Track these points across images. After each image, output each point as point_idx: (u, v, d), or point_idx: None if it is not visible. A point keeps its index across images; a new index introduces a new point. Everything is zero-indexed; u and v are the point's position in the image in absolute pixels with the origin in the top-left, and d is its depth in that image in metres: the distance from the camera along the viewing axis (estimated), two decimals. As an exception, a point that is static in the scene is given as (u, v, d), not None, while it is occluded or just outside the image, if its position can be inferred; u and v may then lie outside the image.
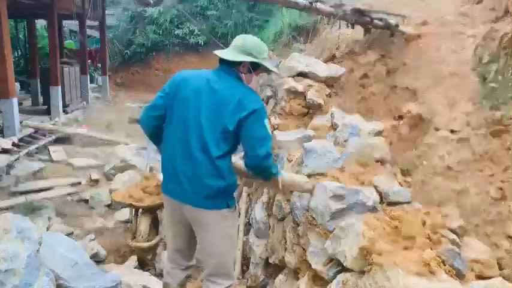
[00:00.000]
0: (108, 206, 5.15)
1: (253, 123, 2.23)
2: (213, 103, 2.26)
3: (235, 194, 2.63)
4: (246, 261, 3.66)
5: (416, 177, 2.92)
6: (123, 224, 4.57)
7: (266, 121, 2.29)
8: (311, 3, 4.63)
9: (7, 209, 4.80)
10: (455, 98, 3.41)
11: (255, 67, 2.37)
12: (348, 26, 5.09)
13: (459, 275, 1.86)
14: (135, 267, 3.50)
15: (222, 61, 2.39)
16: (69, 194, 5.50)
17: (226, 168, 2.29)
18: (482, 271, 2.02)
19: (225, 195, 2.34)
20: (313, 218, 2.48)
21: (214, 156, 2.23)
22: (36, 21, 12.51)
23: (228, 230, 2.40)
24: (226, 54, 2.36)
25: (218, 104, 2.25)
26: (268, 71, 2.49)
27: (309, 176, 2.74)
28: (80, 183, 5.96)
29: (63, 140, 8.04)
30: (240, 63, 2.33)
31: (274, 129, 3.60)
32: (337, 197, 2.33)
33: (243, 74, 2.37)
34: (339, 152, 2.84)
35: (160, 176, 4.28)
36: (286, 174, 2.58)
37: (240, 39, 2.40)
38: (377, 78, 4.25)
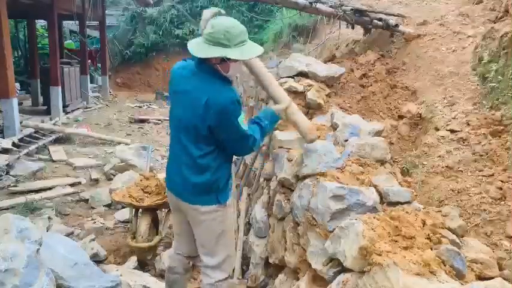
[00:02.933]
0: (108, 206, 5.15)
1: (224, 126, 2.21)
2: (186, 106, 2.24)
3: (233, 190, 2.66)
4: (246, 261, 3.66)
5: (416, 177, 2.92)
6: (123, 224, 4.57)
7: (239, 118, 2.21)
8: (311, 3, 4.64)
9: (7, 209, 4.80)
10: (455, 97, 3.41)
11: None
12: (347, 26, 5.09)
13: (459, 275, 1.86)
14: (135, 268, 3.50)
15: None
16: (69, 194, 5.50)
17: (212, 164, 2.32)
18: (482, 271, 2.02)
19: (213, 191, 2.38)
20: (313, 218, 2.48)
21: (195, 156, 2.29)
22: (36, 21, 12.51)
23: (219, 225, 2.45)
24: (195, 48, 2.17)
25: (190, 107, 2.22)
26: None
27: (309, 176, 2.74)
28: (80, 183, 5.96)
29: (63, 140, 8.04)
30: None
31: (275, 129, 3.60)
32: (337, 197, 2.33)
33: (218, 65, 2.17)
34: (339, 152, 2.84)
35: (160, 176, 4.29)
36: (295, 110, 2.66)
37: (209, 27, 2.13)
38: (377, 78, 4.25)
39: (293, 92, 3.77)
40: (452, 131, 3.06)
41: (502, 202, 2.37)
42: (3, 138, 6.94)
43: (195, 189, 2.36)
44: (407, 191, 2.49)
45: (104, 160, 6.99)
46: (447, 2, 5.16)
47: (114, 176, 5.87)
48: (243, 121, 2.26)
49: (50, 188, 5.59)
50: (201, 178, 2.32)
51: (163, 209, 4.03)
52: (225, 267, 2.56)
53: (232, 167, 2.66)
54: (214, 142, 2.29)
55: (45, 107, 10.50)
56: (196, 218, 2.44)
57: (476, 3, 4.71)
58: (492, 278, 1.92)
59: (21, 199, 5.04)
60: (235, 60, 2.19)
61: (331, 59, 4.87)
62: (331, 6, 4.76)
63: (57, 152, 7.23)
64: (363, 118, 3.50)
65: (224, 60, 2.14)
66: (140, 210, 3.82)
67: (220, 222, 2.45)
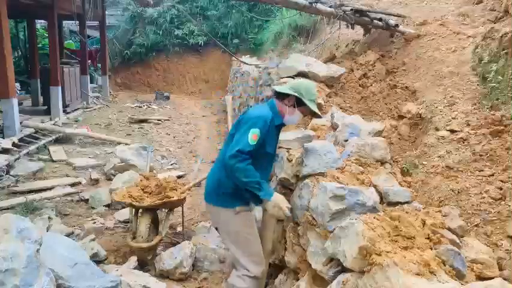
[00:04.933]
0: (108, 206, 5.14)
1: (240, 127, 2.61)
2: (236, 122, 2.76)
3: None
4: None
5: (416, 177, 2.92)
6: (123, 224, 4.57)
7: (252, 130, 2.50)
8: (311, 3, 4.64)
9: (7, 209, 4.80)
10: (455, 98, 3.41)
11: (300, 104, 2.67)
12: (347, 26, 5.09)
13: (459, 275, 1.86)
14: (135, 268, 3.50)
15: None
16: (69, 194, 5.49)
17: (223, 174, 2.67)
18: (482, 271, 2.02)
19: (222, 194, 2.71)
20: (313, 218, 2.48)
21: (220, 159, 2.74)
22: (36, 21, 12.50)
23: (232, 227, 2.73)
24: (278, 88, 2.80)
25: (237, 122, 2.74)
26: (312, 113, 2.76)
27: (309, 176, 2.74)
28: (80, 183, 5.96)
29: (63, 140, 8.04)
30: (287, 96, 2.69)
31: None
32: (337, 198, 2.33)
33: (286, 107, 2.70)
34: (339, 152, 2.84)
35: (161, 176, 4.29)
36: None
37: (296, 81, 3.06)
38: (377, 78, 4.25)
39: (293, 92, 3.77)
40: (452, 131, 3.06)
41: (502, 202, 2.37)
42: (3, 138, 6.94)
43: (210, 189, 2.80)
44: (407, 191, 2.49)
45: (104, 160, 6.98)
46: (447, 2, 5.17)
47: (114, 176, 5.87)
48: (253, 137, 2.49)
49: (50, 188, 5.58)
50: (212, 179, 2.79)
51: (163, 209, 4.03)
52: (248, 265, 2.71)
53: None
54: None
55: (45, 107, 10.49)
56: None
57: (476, 3, 4.71)
58: (492, 278, 1.92)
59: (21, 199, 5.03)
60: (303, 110, 2.71)
61: (331, 59, 4.87)
62: (331, 6, 4.77)
63: (57, 152, 7.23)
64: (363, 118, 3.50)
65: (294, 106, 2.69)
66: (140, 210, 3.81)
67: (233, 225, 2.73)
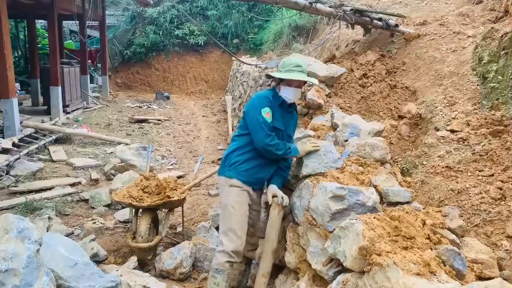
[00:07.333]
0: (108, 206, 5.14)
1: (247, 111, 2.87)
2: None
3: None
4: (246, 261, 3.65)
5: (416, 177, 2.91)
6: (123, 224, 4.57)
7: (263, 110, 2.76)
8: (311, 3, 4.64)
9: (7, 209, 4.80)
10: (455, 98, 3.41)
11: (282, 79, 2.89)
12: (347, 26, 5.09)
13: (459, 275, 1.86)
14: (135, 268, 3.50)
15: None
16: (69, 194, 5.49)
17: (237, 143, 2.95)
18: (482, 271, 2.02)
19: (224, 165, 2.96)
20: (313, 218, 2.48)
21: (233, 136, 3.04)
22: (36, 21, 12.50)
23: (224, 197, 2.93)
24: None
25: None
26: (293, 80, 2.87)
27: (309, 176, 2.74)
28: (80, 183, 5.96)
29: (63, 140, 8.04)
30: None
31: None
32: (337, 198, 2.33)
33: (277, 88, 2.95)
34: (339, 152, 2.84)
35: (161, 176, 4.29)
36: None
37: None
38: (377, 78, 4.25)
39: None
40: (452, 131, 3.06)
41: (502, 202, 2.37)
42: (3, 138, 6.94)
43: (220, 166, 3.05)
44: (407, 191, 2.49)
45: (104, 160, 6.99)
46: (447, 2, 5.17)
47: (114, 176, 5.86)
48: (266, 115, 2.77)
49: (50, 188, 5.58)
50: (223, 158, 3.03)
51: (163, 209, 4.03)
52: (223, 240, 2.85)
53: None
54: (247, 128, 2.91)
55: (45, 107, 10.50)
56: None
57: (476, 3, 4.71)
58: (492, 278, 1.92)
59: (21, 199, 5.03)
60: (286, 82, 2.86)
61: (331, 59, 4.87)
62: (331, 6, 4.77)
63: (57, 152, 7.23)
64: (363, 118, 3.50)
65: (278, 83, 2.92)
66: (140, 210, 3.81)
67: (224, 196, 2.93)
